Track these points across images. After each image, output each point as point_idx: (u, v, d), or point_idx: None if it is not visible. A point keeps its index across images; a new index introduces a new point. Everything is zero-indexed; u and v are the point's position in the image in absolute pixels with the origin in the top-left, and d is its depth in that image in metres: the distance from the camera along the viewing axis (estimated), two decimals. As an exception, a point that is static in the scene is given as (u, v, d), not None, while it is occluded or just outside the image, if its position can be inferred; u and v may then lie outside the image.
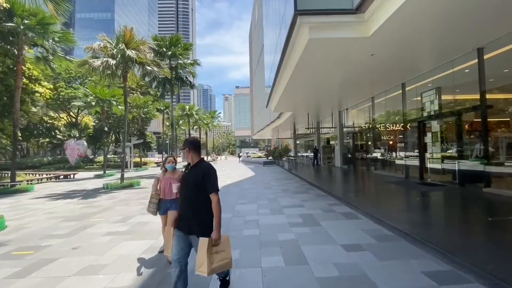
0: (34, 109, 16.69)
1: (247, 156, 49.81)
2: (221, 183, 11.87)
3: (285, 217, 5.55)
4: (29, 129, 32.35)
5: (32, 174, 20.03)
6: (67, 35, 13.48)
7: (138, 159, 38.90)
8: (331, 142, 20.77)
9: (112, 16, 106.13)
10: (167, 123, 36.69)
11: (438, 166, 9.36)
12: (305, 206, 6.50)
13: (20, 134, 31.84)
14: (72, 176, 20.04)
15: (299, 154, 28.62)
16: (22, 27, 11.51)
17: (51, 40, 13.16)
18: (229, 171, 19.97)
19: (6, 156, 37.47)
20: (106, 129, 37.62)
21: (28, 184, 13.40)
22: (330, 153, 20.35)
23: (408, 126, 11.11)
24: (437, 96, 9.20)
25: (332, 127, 19.13)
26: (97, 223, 5.66)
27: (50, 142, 38.46)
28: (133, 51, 11.91)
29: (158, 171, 19.46)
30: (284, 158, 20.16)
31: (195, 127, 35.06)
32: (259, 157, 44.02)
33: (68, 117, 35.70)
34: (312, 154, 22.80)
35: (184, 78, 21.43)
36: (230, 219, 5.64)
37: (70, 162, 30.92)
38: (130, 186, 12.12)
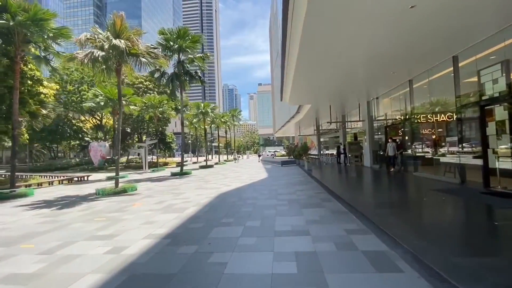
0: (44, 111, 16.30)
1: (271, 155, 47.84)
2: (221, 189, 10.05)
3: (271, 258, 3.50)
4: (58, 131, 33.64)
5: (47, 176, 19.99)
6: (63, 30, 12.57)
7: (161, 159, 39.02)
8: (358, 138, 18.02)
9: (140, 22, 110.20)
10: (186, 123, 36.03)
11: (509, 166, 6.62)
12: (311, 233, 4.37)
13: (49, 137, 33.35)
14: (86, 178, 19.67)
15: (323, 152, 25.94)
16: (11, 23, 10.69)
17: (46, 37, 12.34)
18: (241, 172, 18.16)
19: (41, 158, 39.71)
20: (128, 130, 38.18)
21: (28, 188, 12.78)
22: (357, 151, 17.60)
23: (461, 114, 8.31)
24: (504, 71, 6.49)
25: (359, 120, 16.40)
26: (8, 257, 4.10)
27: (79, 144, 39.87)
28: (121, 41, 10.54)
29: (175, 170, 18.39)
30: (304, 158, 17.83)
31: (212, 126, 33.86)
32: (282, 155, 41.78)
33: (93, 119, 36.63)
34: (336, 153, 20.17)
35: (193, 73, 20.00)
36: (192, 255, 3.73)
37: (94, 163, 31.40)
38: (123, 191, 10.82)
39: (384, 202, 6.31)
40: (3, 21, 10.44)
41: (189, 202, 7.78)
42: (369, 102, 15.71)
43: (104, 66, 11.83)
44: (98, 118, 36.21)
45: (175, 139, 41.18)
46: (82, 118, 36.21)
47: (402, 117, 12.36)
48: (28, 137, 25.14)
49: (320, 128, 27.21)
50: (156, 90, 31.64)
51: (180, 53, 19.12)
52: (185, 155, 62.09)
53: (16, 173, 25.45)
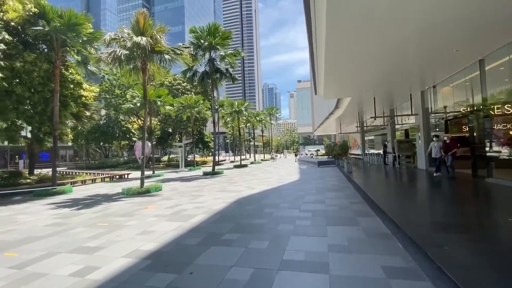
0: (87, 113, 17.39)
1: (310, 155, 45.72)
2: (242, 193, 9.06)
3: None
4: (109, 132, 36.74)
5: (93, 174, 21.50)
6: (96, 34, 12.99)
7: (200, 158, 39.98)
8: (410, 136, 15.43)
9: (183, 28, 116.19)
10: (222, 122, 36.15)
11: None
12: (331, 270, 3.05)
13: (102, 137, 36.61)
14: (126, 176, 20.67)
15: (368, 152, 23.27)
16: (46, 28, 11.27)
17: (81, 41, 12.88)
18: (272, 173, 16.99)
19: (96, 157, 44.08)
20: (170, 130, 39.93)
21: (67, 186, 13.51)
22: (409, 150, 15.01)
23: None
24: None
25: (411, 114, 13.90)
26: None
27: (127, 144, 43.13)
28: (143, 38, 10.27)
29: (208, 169, 18.16)
30: (343, 158, 15.90)
31: (248, 124, 33.26)
32: (323, 155, 39.31)
33: (139, 120, 39.20)
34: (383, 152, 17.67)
35: (224, 71, 19.46)
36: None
37: (138, 162, 33.51)
38: (146, 192, 10.63)
39: (448, 223, 4.57)
40: (40, 28, 11.01)
41: (201, 208, 6.96)
42: (424, 92, 13.16)
43: (131, 66, 11.84)
44: (143, 119, 38.56)
45: (213, 138, 41.81)
46: (130, 120, 38.97)
47: (469, 109, 9.85)
48: (72, 137, 27.62)
49: (364, 125, 24.56)
50: (194, 90, 32.22)
51: (211, 50, 18.74)
52: (224, 154, 63.37)
53: (70, 170, 27.97)
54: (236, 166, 25.69)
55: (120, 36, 10.66)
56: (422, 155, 13.17)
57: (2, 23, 10.50)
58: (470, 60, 8.89)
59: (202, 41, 18.13)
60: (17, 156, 35.28)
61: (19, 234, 5.38)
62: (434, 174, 10.03)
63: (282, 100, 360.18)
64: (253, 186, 10.74)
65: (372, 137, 27.47)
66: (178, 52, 11.97)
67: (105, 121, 37.22)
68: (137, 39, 10.01)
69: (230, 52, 19.35)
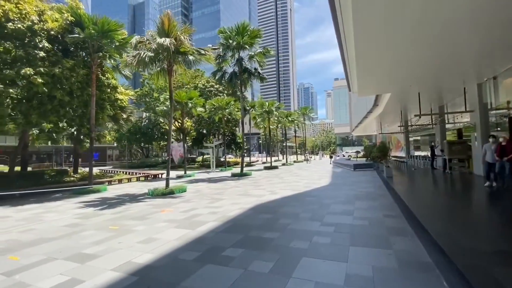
0: (124, 115, 18.38)
1: (348, 157, 43.32)
2: (263, 198, 8.42)
3: None
4: (149, 134, 39.03)
5: (131, 173, 22.71)
6: (128, 39, 13.51)
7: (233, 159, 40.34)
8: (464, 136, 13.28)
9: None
10: (253, 122, 35.84)
11: None
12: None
13: (142, 138, 39.02)
14: (160, 175, 21.41)
15: (412, 154, 20.85)
16: (81, 35, 11.97)
17: (113, 47, 13.52)
18: (302, 176, 16.01)
19: (137, 157, 47.25)
20: (204, 131, 41.03)
21: (102, 185, 14.24)
22: (463, 153, 12.87)
23: None
24: None
25: (465, 111, 11.87)
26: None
27: (165, 145, 45.33)
28: (166, 39, 10.27)
29: (238, 170, 17.92)
30: (383, 161, 14.30)
31: (279, 125, 32.45)
32: (361, 157, 36.70)
33: (176, 122, 41.02)
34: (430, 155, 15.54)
35: (252, 70, 19.03)
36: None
37: (174, 162, 34.97)
38: (170, 193, 10.60)
39: (516, 251, 3.41)
40: (76, 35, 11.73)
41: (215, 214, 6.51)
42: (482, 84, 11.10)
43: (157, 68, 12.03)
44: (180, 121, 40.22)
45: (245, 139, 41.85)
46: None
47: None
48: (114, 138, 29.54)
49: (409, 124, 22.11)
50: (226, 92, 32.54)
51: (240, 50, 18.47)
52: (258, 155, 63.23)
53: (114, 169, 29.96)
54: (266, 168, 25.13)
55: (146, 39, 10.82)
56: (478, 159, 11.11)
57: (45, 32, 11.40)
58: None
59: (231, 41, 17.95)
60: (71, 155, 39.35)
61: (35, 234, 5.48)
62: (486, 184, 8.05)
63: (318, 99, 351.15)
64: (277, 191, 10.03)
65: (418, 138, 24.71)
66: (202, 52, 11.83)
67: (145, 123, 39.64)
68: (160, 40, 10.03)
69: (259, 51, 18.87)
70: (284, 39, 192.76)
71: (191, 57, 11.40)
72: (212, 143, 25.89)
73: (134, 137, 37.66)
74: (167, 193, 10.57)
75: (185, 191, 11.19)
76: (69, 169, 19.33)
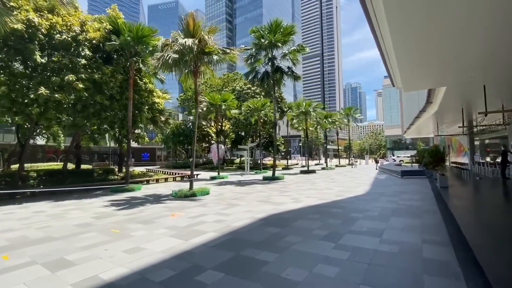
0: (162, 118, 19.24)
1: (400, 162, 39.26)
2: (282, 207, 7.56)
3: None
4: (191, 136, 40.90)
5: (169, 173, 23.71)
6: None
7: (271, 162, 39.75)
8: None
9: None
10: (294, 124, 34.67)
11: None
12: None
13: (185, 140, 40.99)
14: (196, 176, 21.90)
15: (477, 160, 17.42)
16: (117, 42, 12.67)
17: (147, 52, 14.10)
18: (339, 182, 14.48)
19: (181, 157, 49.90)
20: (242, 133, 41.38)
21: (137, 184, 14.89)
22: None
23: None
24: None
25: (553, 107, 9.20)
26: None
27: (206, 147, 47.07)
28: (189, 40, 10.14)
29: (268, 174, 17.19)
30: (437, 168, 12.07)
31: (318, 126, 30.66)
32: (413, 162, 32.57)
33: (216, 125, 42.20)
34: (500, 162, 12.65)
35: (286, 69, 18.13)
36: None
37: (213, 163, 36.01)
38: (192, 195, 10.43)
39: None
40: (113, 42, 12.45)
41: (220, 223, 5.92)
42: None
43: (184, 69, 12.06)
44: (220, 124, 41.27)
45: (283, 141, 40.83)
46: (209, 125, 42.40)
47: None
48: (153, 140, 31.21)
49: (474, 124, 18.63)
50: (263, 94, 32.14)
51: (272, 48, 17.78)
52: (299, 158, 61.40)
53: (156, 168, 31.76)
54: (302, 172, 23.83)
55: (171, 41, 10.90)
56: None
57: (87, 42, 12.39)
58: None
59: (263, 40, 17.39)
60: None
61: (45, 232, 5.60)
62: None
63: (368, 100, 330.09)
64: (302, 199, 9.01)
65: (487, 141, 20.74)
66: (227, 51, 11.48)
67: (189, 125, 41.65)
68: (182, 41, 9.95)
69: (293, 48, 17.94)
70: (329, 37, 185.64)
71: (215, 57, 11.13)
72: (248, 145, 25.64)
73: (178, 139, 39.77)
74: (189, 195, 10.41)
75: (207, 194, 10.91)
76: (116, 168, 20.94)
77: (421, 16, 5.47)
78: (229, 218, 6.39)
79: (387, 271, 3.32)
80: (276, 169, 31.76)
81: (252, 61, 18.55)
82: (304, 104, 24.87)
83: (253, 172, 24.73)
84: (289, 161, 53.49)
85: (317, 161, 53.77)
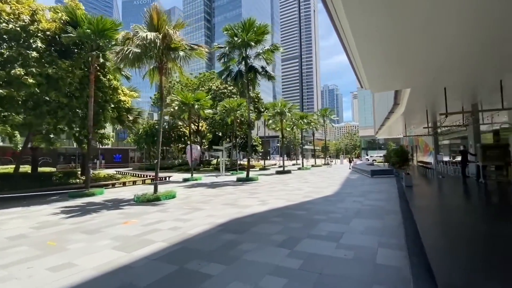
0: (130, 117, 18.18)
1: (373, 161, 40.62)
2: (246, 211, 7.23)
3: None
4: (165, 136, 39.50)
5: (139, 175, 22.59)
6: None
7: (252, 163, 39.37)
8: (502, 139, 11.07)
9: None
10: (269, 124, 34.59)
11: None
12: None
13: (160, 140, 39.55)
14: (167, 178, 21.01)
15: (440, 159, 18.31)
16: (74, 34, 11.68)
17: (110, 46, 13.16)
18: (311, 182, 14.48)
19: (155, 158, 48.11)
20: (220, 134, 40.66)
21: (98, 189, 13.85)
22: (500, 159, 10.64)
23: None
24: None
25: (502, 109, 9.73)
26: None
27: (183, 148, 45.78)
28: (153, 33, 9.53)
29: (243, 175, 16.83)
30: (402, 168, 12.39)
31: (294, 127, 30.86)
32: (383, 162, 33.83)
33: (193, 125, 41.10)
34: (461, 161, 13.29)
35: (260, 69, 17.92)
36: None
37: (189, 164, 34.94)
38: (156, 200, 9.79)
39: None
40: (70, 34, 11.46)
41: (175, 231, 5.47)
42: (528, 74, 8.96)
43: (147, 64, 11.37)
44: (196, 124, 40.25)
45: (261, 142, 40.69)
46: (185, 125, 41.21)
47: None
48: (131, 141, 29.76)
49: (438, 125, 19.55)
50: (239, 93, 31.80)
51: (246, 48, 17.47)
52: (278, 158, 61.72)
53: (130, 171, 30.16)
54: (278, 172, 23.76)
55: (132, 35, 10.19)
56: (525, 168, 8.95)
57: (41, 33, 11.28)
58: None
59: (236, 39, 17.03)
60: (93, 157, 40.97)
61: (-37, 248, 4.82)
62: None
63: (344, 101, 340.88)
64: (270, 201, 8.76)
65: (448, 141, 21.93)
66: (195, 47, 10.98)
67: (164, 125, 40.17)
68: (143, 34, 9.31)
69: (267, 48, 17.75)
70: (307, 40, 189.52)
71: (181, 53, 10.58)
72: (223, 145, 25.10)
73: (152, 140, 38.29)
74: (153, 200, 9.77)
75: (173, 198, 10.33)
76: (79, 171, 19.51)
77: (381, 22, 5.43)
78: (187, 224, 5.94)
79: (337, 282, 3.08)
80: (253, 170, 31.58)
81: (226, 60, 18.14)
82: (279, 104, 24.81)
83: (229, 173, 24.28)
84: (268, 161, 53.57)
85: (294, 161, 54.30)
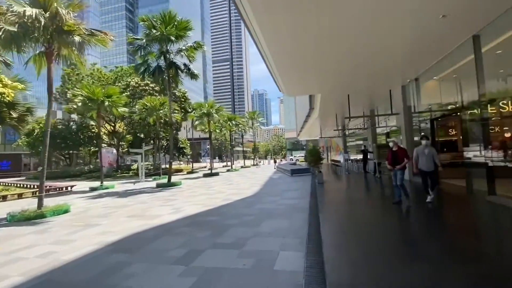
0: (13, 114, 14.40)
1: (296, 161, 43.58)
2: (154, 221, 6.37)
3: None
4: (71, 138, 33.41)
5: (29, 186, 18.38)
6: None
7: (177, 166, 36.80)
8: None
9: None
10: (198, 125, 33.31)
11: None
12: None
13: (63, 144, 33.13)
14: (69, 188, 17.51)
15: (347, 158, 20.98)
16: None
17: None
18: (235, 184, 14.36)
19: (60, 165, 40.39)
20: (142, 135, 36.90)
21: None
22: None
23: None
24: None
25: (391, 114, 11.63)
26: None
27: (95, 151, 39.77)
28: (34, 9, 7.61)
29: (164, 180, 15.27)
30: (316, 166, 13.47)
31: (222, 129, 30.65)
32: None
33: (108, 125, 36.01)
34: (362, 159, 15.37)
35: (182, 66, 16.89)
36: None
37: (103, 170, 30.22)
38: (39, 217, 7.82)
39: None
40: None
41: (49, 256, 4.28)
42: (405, 87, 10.92)
43: (35, 50, 9.15)
44: (112, 124, 35.47)
45: (188, 144, 38.88)
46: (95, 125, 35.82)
47: (460, 105, 7.56)
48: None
49: (346, 128, 22.32)
50: (162, 91, 29.50)
51: (166, 42, 16.16)
52: (209, 161, 60.28)
53: (16, 181, 24.45)
54: (205, 175, 22.95)
55: (5, 8, 7.95)
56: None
57: None
58: (461, 38, 6.60)
59: (154, 31, 15.56)
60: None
61: None
62: (428, 200, 6.21)
63: (272, 106, 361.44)
64: (185, 208, 8.06)
65: (358, 142, 25.32)
66: (96, 33, 9.34)
67: (71, 124, 33.87)
68: (20, 9, 7.33)
69: (189, 45, 16.83)
70: (238, 44, 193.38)
71: (77, 38, 8.82)
72: (142, 148, 22.70)
73: (54, 142, 31.83)
74: (33, 217, 7.78)
75: (65, 213, 8.49)
76: None
77: (288, 34, 5.59)
78: (66, 247, 4.76)
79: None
80: (180, 174, 29.76)
81: (143, 53, 16.42)
82: (206, 105, 24.05)
83: (151, 179, 22.11)
84: (199, 164, 51.70)
85: (225, 163, 54.10)
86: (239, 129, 34.52)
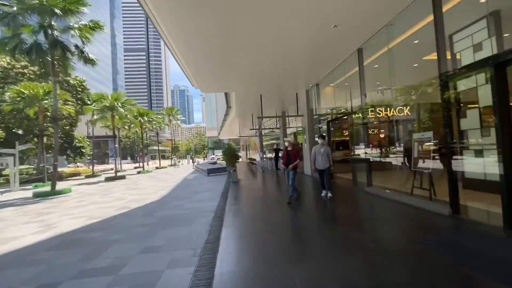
0: None
1: (217, 159, 43.00)
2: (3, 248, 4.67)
3: None
4: None
5: None
6: None
7: (73, 169, 30.38)
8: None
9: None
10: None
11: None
12: None
13: None
14: None
15: (263, 156, 21.92)
16: None
17: None
18: (140, 189, 12.75)
19: None
20: (20, 131, 29.19)
21: None
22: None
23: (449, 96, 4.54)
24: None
25: (297, 115, 12.52)
26: None
27: None
28: None
29: (46, 188, 11.97)
30: (231, 165, 13.28)
31: (132, 125, 27.23)
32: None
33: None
34: (274, 157, 16.19)
35: (72, 47, 13.91)
36: None
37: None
38: None
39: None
40: None
41: None
42: (308, 91, 11.93)
43: None
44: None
45: (89, 143, 33.10)
46: None
47: (348, 109, 8.64)
48: None
49: (262, 127, 23.23)
50: (40, 76, 23.87)
51: (51, 15, 12.93)
52: (120, 162, 53.00)
53: None
54: (108, 179, 19.76)
55: None
56: (307, 160, 11.84)
57: None
58: (350, 49, 7.47)
59: (31, -2, 12.17)
60: None
61: None
62: (322, 194, 6.79)
63: (195, 103, 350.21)
64: (60, 223, 6.39)
65: (273, 141, 26.72)
66: None
67: None
68: None
69: (83, 23, 13.96)
70: (155, 34, 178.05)
71: None
72: (16, 148, 17.63)
73: None
74: None
75: None
76: None
77: (194, 35, 5.00)
78: None
79: None
80: (77, 178, 24.81)
81: (13, 24, 12.64)
82: (109, 97, 20.70)
83: (30, 186, 17.52)
84: (104, 166, 44.70)
85: (138, 164, 48.86)
86: (153, 126, 31.44)
